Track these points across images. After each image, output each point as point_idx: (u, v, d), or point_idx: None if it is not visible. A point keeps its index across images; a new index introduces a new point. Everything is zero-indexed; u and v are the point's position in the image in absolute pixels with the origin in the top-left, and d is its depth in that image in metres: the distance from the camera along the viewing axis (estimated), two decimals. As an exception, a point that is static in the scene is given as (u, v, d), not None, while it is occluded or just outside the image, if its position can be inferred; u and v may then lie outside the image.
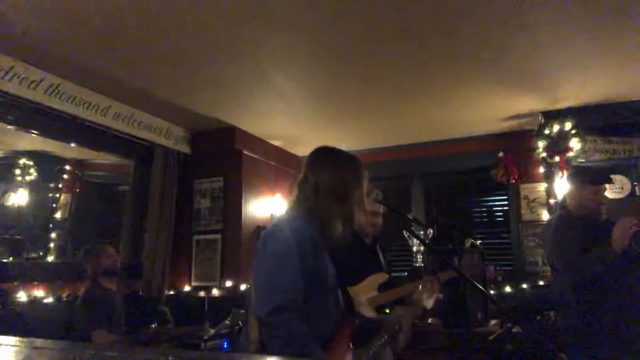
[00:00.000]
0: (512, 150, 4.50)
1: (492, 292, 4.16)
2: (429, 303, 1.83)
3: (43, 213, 4.85)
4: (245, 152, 4.66)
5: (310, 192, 1.67)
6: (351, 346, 1.62)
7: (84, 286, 3.24)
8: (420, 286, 2.15)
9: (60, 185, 5.04)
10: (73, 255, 4.63)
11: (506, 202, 4.70)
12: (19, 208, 4.76)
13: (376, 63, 3.24)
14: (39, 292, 3.47)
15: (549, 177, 4.15)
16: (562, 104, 3.99)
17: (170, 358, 0.72)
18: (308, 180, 1.69)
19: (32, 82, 3.20)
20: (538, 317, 3.52)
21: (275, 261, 1.55)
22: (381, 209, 2.77)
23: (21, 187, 4.79)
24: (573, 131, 3.96)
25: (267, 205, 4.89)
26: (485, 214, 5.00)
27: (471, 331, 3.39)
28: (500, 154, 4.51)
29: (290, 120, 4.42)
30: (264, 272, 1.56)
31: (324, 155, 1.76)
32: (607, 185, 2.76)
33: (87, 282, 3.21)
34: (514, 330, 3.20)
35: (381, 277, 2.37)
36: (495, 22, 2.72)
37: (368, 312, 2.25)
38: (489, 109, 4.10)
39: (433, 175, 5.10)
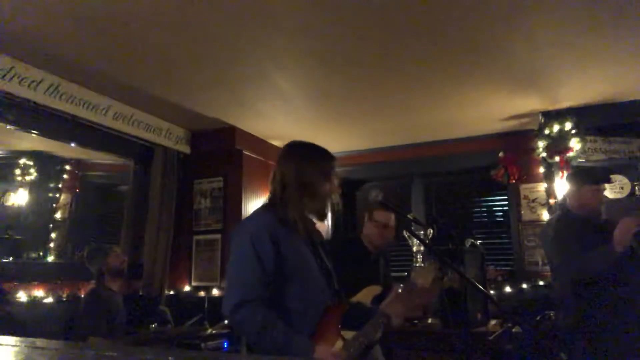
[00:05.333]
0: (512, 150, 4.50)
1: (492, 292, 4.16)
2: (427, 282, 1.75)
3: (43, 213, 4.85)
4: (245, 152, 4.66)
5: (277, 187, 1.70)
6: (340, 332, 1.59)
7: (88, 286, 3.24)
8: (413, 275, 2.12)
9: (60, 185, 5.03)
10: (73, 255, 4.62)
11: (506, 202, 4.69)
12: (19, 208, 4.76)
13: (376, 63, 3.24)
14: (39, 292, 3.47)
15: (549, 177, 4.15)
16: (562, 104, 3.99)
17: (170, 358, 0.72)
18: (276, 176, 1.73)
19: (32, 82, 3.20)
20: (538, 317, 3.52)
21: (233, 258, 1.61)
22: (392, 220, 2.74)
23: (21, 187, 4.78)
24: (573, 131, 3.96)
25: (267, 205, 4.88)
26: (485, 214, 5.00)
27: (471, 331, 3.38)
28: (500, 154, 4.51)
29: (290, 120, 4.42)
30: (227, 269, 1.62)
31: (291, 150, 1.79)
32: (607, 185, 2.76)
33: (92, 282, 3.21)
34: (514, 330, 3.20)
35: (375, 290, 2.36)
36: (496, 23, 2.71)
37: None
38: (489, 109, 4.10)
39: (433, 175, 5.09)
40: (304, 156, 1.74)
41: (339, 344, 1.58)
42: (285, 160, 1.74)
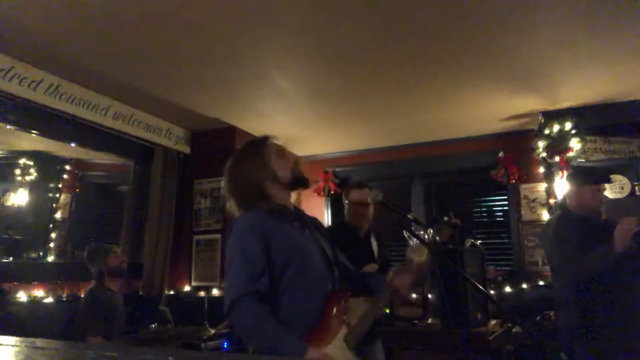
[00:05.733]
0: (512, 150, 4.50)
1: (492, 292, 4.16)
2: (420, 259, 1.83)
3: (43, 213, 4.84)
4: (245, 152, 4.65)
5: (243, 196, 1.75)
6: (344, 320, 1.60)
7: (88, 286, 3.24)
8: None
9: (60, 185, 5.03)
10: (73, 255, 4.62)
11: (506, 202, 4.69)
12: (19, 208, 4.76)
13: (376, 63, 3.24)
14: (39, 292, 3.47)
15: (549, 177, 4.15)
16: (562, 104, 3.99)
17: (170, 358, 0.72)
18: (237, 191, 1.77)
19: (32, 82, 3.20)
20: (538, 317, 3.52)
21: (227, 258, 1.63)
22: (368, 197, 2.75)
23: (21, 187, 4.78)
24: (573, 131, 3.96)
25: (267, 205, 4.88)
26: (485, 214, 5.00)
27: (471, 331, 3.38)
28: (500, 154, 4.51)
29: (290, 121, 4.42)
30: (225, 270, 1.65)
31: (230, 167, 1.86)
32: (607, 185, 2.76)
33: (92, 282, 3.21)
34: (514, 330, 3.20)
35: (371, 268, 2.37)
36: (496, 23, 2.72)
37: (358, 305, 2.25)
38: (489, 109, 4.10)
39: (433, 175, 5.10)
40: (236, 158, 1.83)
41: (343, 331, 1.59)
42: (234, 174, 1.80)
